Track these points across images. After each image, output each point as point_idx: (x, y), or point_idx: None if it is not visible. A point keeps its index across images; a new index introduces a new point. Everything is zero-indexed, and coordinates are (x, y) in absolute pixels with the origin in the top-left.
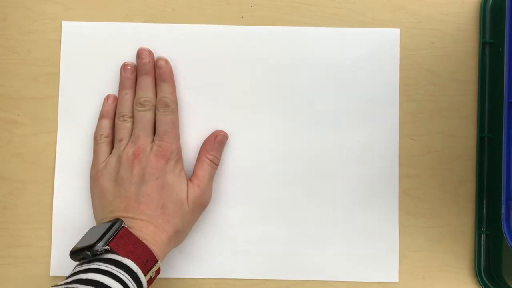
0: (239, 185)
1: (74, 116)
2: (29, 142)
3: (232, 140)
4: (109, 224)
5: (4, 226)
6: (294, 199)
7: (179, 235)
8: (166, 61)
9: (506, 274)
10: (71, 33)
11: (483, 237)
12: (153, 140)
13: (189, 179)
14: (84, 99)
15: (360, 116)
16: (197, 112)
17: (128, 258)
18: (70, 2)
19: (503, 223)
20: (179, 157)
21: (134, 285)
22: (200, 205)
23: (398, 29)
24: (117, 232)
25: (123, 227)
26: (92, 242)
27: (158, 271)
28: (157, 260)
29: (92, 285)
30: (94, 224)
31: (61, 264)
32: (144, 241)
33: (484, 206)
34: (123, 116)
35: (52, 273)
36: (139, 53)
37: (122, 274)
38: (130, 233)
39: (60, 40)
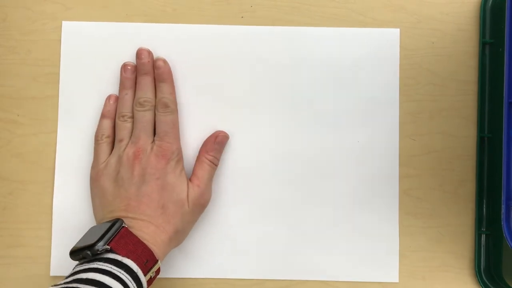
0: (239, 185)
1: (74, 116)
2: (29, 142)
3: (232, 140)
4: (109, 224)
5: (4, 226)
6: (294, 199)
7: (179, 235)
8: (165, 62)
9: (506, 274)
10: (71, 33)
11: (483, 237)
12: (154, 140)
13: (189, 179)
14: (84, 99)
15: (360, 116)
16: (197, 112)
17: (128, 258)
18: (70, 2)
19: (503, 223)
20: (179, 158)
21: (134, 285)
22: (200, 205)
23: (398, 29)
24: (118, 232)
25: (123, 227)
26: (93, 241)
27: (158, 271)
28: (157, 260)
29: (92, 285)
30: (94, 224)
31: (61, 264)
32: (144, 241)
33: (484, 206)
34: (123, 116)
35: (52, 273)
36: (139, 53)
37: (122, 274)
38: (131, 233)
39: (60, 40)
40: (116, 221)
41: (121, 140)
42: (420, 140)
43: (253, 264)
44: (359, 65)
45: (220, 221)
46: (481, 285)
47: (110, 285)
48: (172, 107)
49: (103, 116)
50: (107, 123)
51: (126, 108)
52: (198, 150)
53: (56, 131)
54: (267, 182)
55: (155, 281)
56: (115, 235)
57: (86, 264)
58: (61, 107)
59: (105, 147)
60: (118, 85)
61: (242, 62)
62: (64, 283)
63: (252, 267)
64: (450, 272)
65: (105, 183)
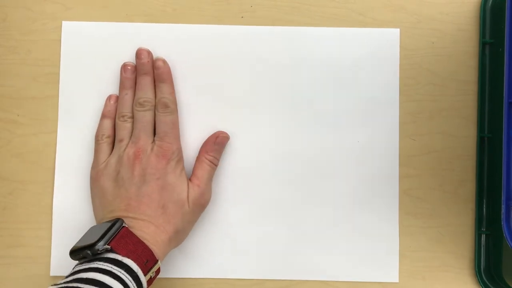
0: (239, 185)
1: (74, 116)
2: (29, 142)
3: (232, 140)
4: (109, 224)
5: (4, 226)
6: (294, 199)
7: (179, 235)
8: (164, 62)
9: (506, 274)
10: (71, 33)
11: (483, 237)
12: (154, 140)
13: (189, 179)
14: (84, 99)
15: (360, 116)
16: (197, 112)
17: (128, 257)
18: (70, 2)
19: (503, 223)
20: (180, 158)
21: (134, 285)
22: (200, 205)
23: (398, 29)
24: (118, 232)
25: (123, 226)
26: (93, 241)
27: (158, 271)
28: (157, 260)
29: (92, 284)
30: (94, 224)
31: (61, 264)
32: (144, 241)
33: (484, 206)
34: (123, 116)
35: (52, 273)
36: (138, 53)
37: (122, 273)
38: (131, 232)
39: (60, 40)
40: (116, 221)
41: (121, 140)
42: (420, 140)
43: (253, 264)
44: (359, 65)
45: (220, 221)
46: (481, 285)
47: (110, 284)
48: (172, 107)
49: (103, 116)
50: (108, 123)
51: (126, 108)
52: (198, 150)
53: (56, 131)
54: (267, 182)
55: (155, 281)
56: (116, 234)
57: (86, 263)
58: (61, 107)
59: (105, 147)
60: (118, 85)
61: (242, 62)
62: (64, 282)
63: (252, 267)
64: (450, 272)
65: (105, 183)
